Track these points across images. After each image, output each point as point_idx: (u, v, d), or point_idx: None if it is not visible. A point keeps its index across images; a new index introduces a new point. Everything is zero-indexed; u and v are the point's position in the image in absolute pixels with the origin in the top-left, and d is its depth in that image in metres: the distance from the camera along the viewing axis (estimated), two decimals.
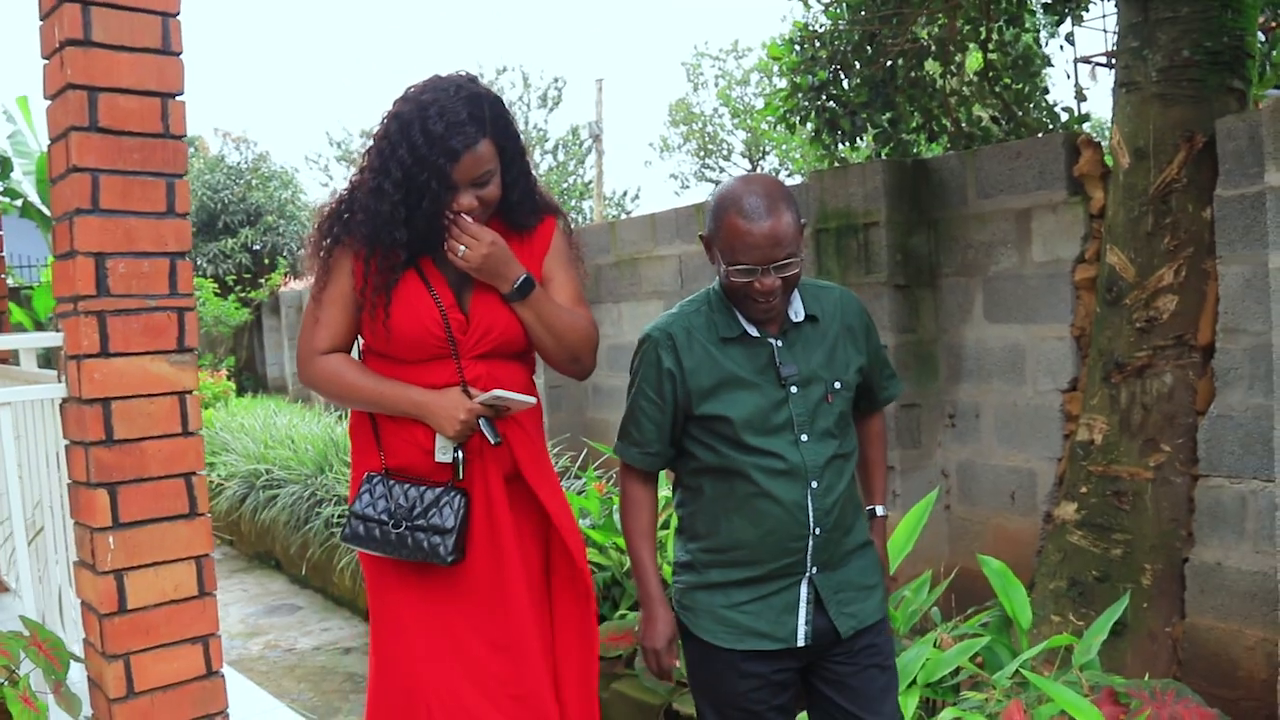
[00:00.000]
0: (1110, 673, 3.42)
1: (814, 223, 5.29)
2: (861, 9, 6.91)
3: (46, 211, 12.97)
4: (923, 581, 3.78)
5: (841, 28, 7.10)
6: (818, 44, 7.19)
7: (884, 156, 7.46)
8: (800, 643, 2.19)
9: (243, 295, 16.38)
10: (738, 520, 2.19)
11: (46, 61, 2.43)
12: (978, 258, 4.86)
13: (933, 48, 7.14)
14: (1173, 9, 3.91)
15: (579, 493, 5.19)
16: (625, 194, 24.86)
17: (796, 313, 2.22)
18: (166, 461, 2.45)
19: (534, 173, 2.42)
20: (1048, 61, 7.82)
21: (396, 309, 2.27)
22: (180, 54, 2.47)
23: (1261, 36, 6.45)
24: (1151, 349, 3.98)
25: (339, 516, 6.29)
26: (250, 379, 15.93)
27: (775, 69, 8.34)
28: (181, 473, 2.47)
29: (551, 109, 24.47)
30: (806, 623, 2.20)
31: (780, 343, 2.20)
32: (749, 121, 21.65)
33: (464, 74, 2.30)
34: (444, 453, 2.30)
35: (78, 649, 2.76)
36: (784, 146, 19.85)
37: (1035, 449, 4.69)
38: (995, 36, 7.28)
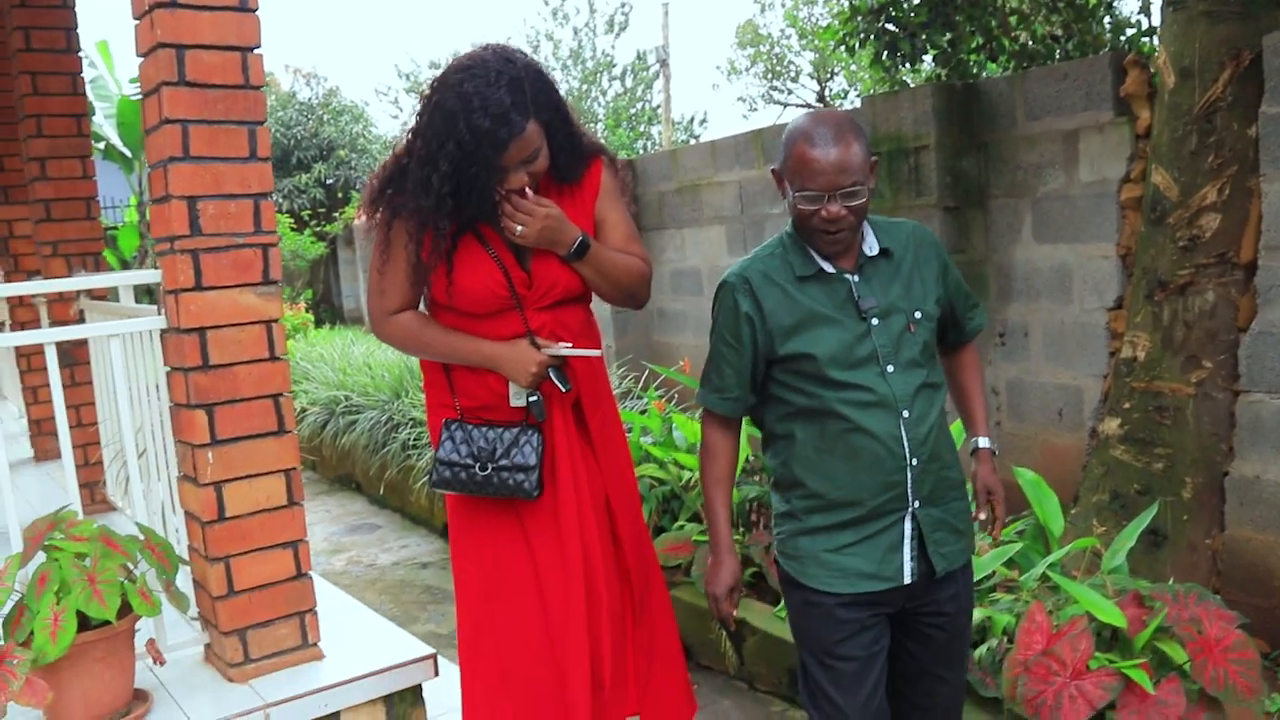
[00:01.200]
0: (1153, 581, 3.57)
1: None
2: None
3: (128, 153, 13.45)
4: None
5: None
6: None
7: (944, 78, 7.47)
8: (907, 579, 2.22)
9: (318, 229, 16.78)
10: (833, 460, 2.20)
11: (138, 22, 2.66)
12: (1026, 179, 4.94)
13: None
14: None
15: (641, 412, 5.42)
16: (693, 119, 24.67)
17: (870, 247, 2.24)
18: (256, 384, 2.71)
19: (577, 125, 2.47)
20: None
21: (460, 274, 2.38)
22: (256, 10, 2.68)
23: None
24: (1194, 267, 4.06)
25: (415, 439, 6.60)
26: (327, 311, 16.39)
27: None
28: (270, 394, 2.74)
29: (618, 34, 24.31)
30: (913, 559, 2.22)
31: (857, 277, 2.21)
32: (816, 42, 21.34)
33: (498, 50, 2.35)
34: (518, 398, 2.44)
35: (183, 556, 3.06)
36: (852, 68, 19.58)
37: (1082, 366, 4.80)
38: None
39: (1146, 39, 8.09)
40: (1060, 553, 3.40)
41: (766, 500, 4.54)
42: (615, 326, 7.96)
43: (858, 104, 18.66)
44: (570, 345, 2.42)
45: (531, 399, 2.42)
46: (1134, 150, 4.47)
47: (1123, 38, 7.58)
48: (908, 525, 2.21)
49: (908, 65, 7.69)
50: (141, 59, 2.68)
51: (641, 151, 22.24)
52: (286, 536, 2.80)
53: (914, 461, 2.17)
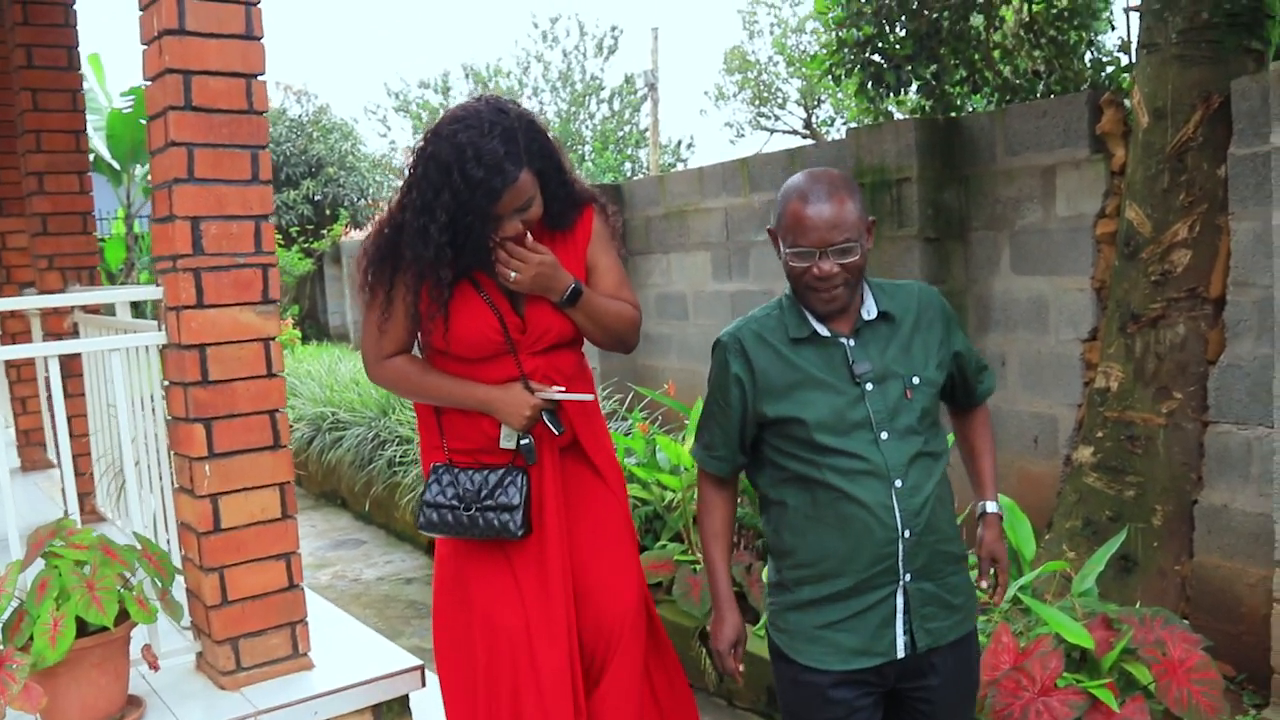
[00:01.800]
0: (1123, 606, 3.67)
1: (851, 178, 5.50)
2: None
3: (116, 166, 13.50)
4: None
5: None
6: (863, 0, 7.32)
7: (928, 109, 7.61)
8: (900, 653, 2.15)
9: (305, 246, 16.83)
10: (823, 530, 2.15)
11: (146, 47, 2.75)
12: (1005, 212, 5.07)
13: (978, 0, 7.24)
14: None
15: (625, 433, 5.50)
16: (680, 143, 24.88)
17: (869, 310, 2.19)
18: (254, 399, 2.80)
19: (570, 174, 2.52)
20: (1095, 15, 7.86)
21: (456, 320, 2.43)
22: (261, 38, 2.78)
23: None
24: (1166, 301, 4.18)
25: (401, 456, 6.67)
26: (313, 327, 16.43)
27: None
28: (266, 409, 2.83)
29: (607, 57, 24.51)
30: (905, 633, 2.15)
31: (853, 341, 2.16)
32: (804, 70, 21.57)
33: (491, 100, 2.41)
34: (509, 440, 2.47)
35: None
36: (839, 95, 19.81)
37: (1057, 395, 4.92)
38: None
39: (1126, 74, 8.27)
40: (1031, 575, 3.50)
41: (749, 521, 4.63)
42: (601, 350, 8.03)
43: (844, 131, 18.78)
44: (564, 389, 2.47)
45: (523, 442, 2.46)
46: (1109, 186, 4.60)
47: (1103, 74, 7.76)
48: (899, 599, 2.14)
49: (892, 96, 7.85)
50: (149, 83, 2.78)
51: (629, 174, 22.40)
52: (280, 548, 2.87)
53: (906, 534, 2.11)
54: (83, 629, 2.49)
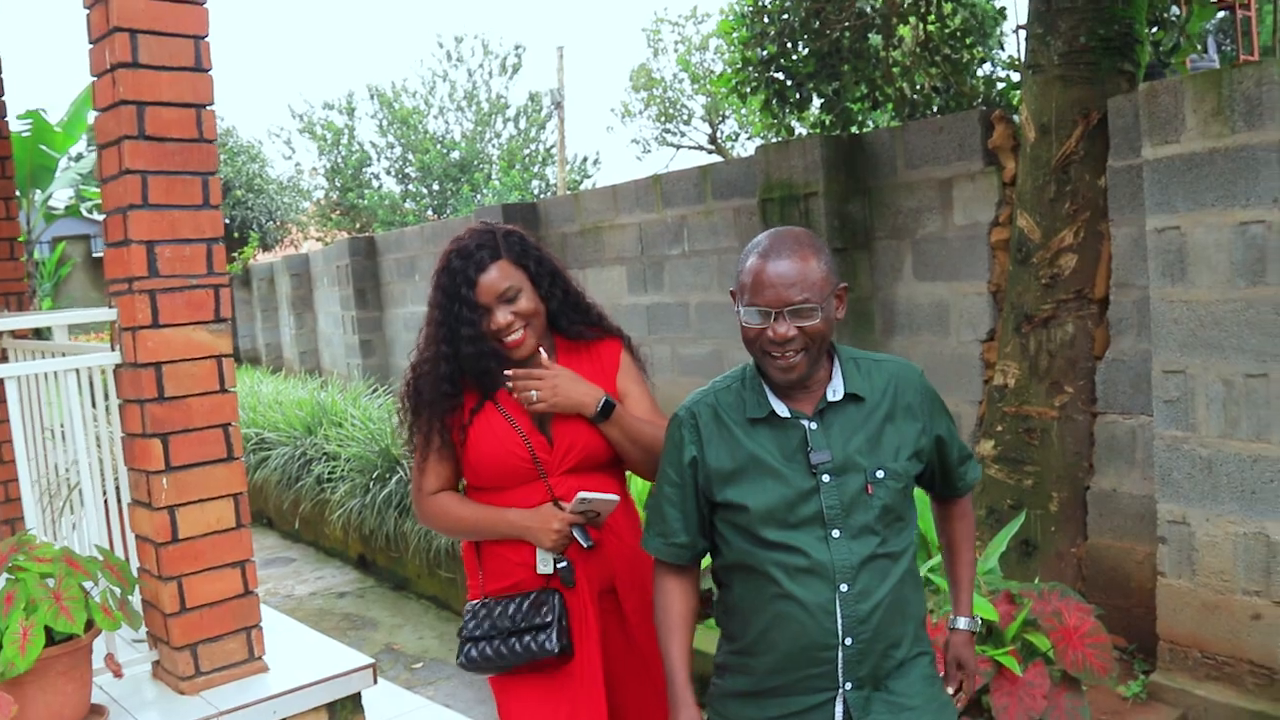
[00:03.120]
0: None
1: (760, 193, 5.79)
2: None
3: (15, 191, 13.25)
4: None
5: (788, 3, 7.54)
6: (766, 20, 7.63)
7: (829, 124, 7.96)
8: None
9: None
10: (764, 622, 1.99)
11: (96, 79, 2.87)
12: (907, 222, 5.39)
13: (877, 20, 7.61)
14: (1071, 0, 4.41)
15: None
16: (587, 159, 25.15)
17: (835, 390, 2.00)
18: (208, 414, 2.92)
19: (573, 283, 2.52)
20: (986, 34, 8.30)
21: (482, 444, 2.39)
22: (210, 70, 2.92)
23: (1176, 10, 6.97)
24: (1055, 302, 4.52)
25: (330, 473, 6.75)
26: None
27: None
28: (220, 424, 2.95)
29: (512, 76, 24.67)
30: None
31: (814, 424, 1.98)
32: (708, 87, 22.00)
33: (481, 222, 2.51)
34: (545, 565, 2.40)
35: None
36: (743, 112, 20.26)
37: (960, 393, 5.23)
38: (933, 10, 7.76)
39: (1016, 91, 8.73)
40: (939, 558, 3.76)
41: None
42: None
43: (749, 146, 19.09)
44: (588, 491, 2.33)
45: (559, 565, 2.39)
46: (1001, 197, 4.94)
47: (995, 90, 8.20)
48: (838, 707, 1.96)
49: (795, 112, 8.19)
50: (100, 113, 2.89)
51: (536, 192, 22.55)
52: (235, 556, 2.99)
53: (847, 641, 1.93)
54: (48, 639, 2.59)
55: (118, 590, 2.79)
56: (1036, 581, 3.83)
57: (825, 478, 1.94)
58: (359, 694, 3.12)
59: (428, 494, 2.49)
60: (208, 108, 2.90)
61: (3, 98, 4.81)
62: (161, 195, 2.82)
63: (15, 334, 4.20)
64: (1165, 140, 3.79)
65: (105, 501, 3.25)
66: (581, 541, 2.35)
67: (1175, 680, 3.99)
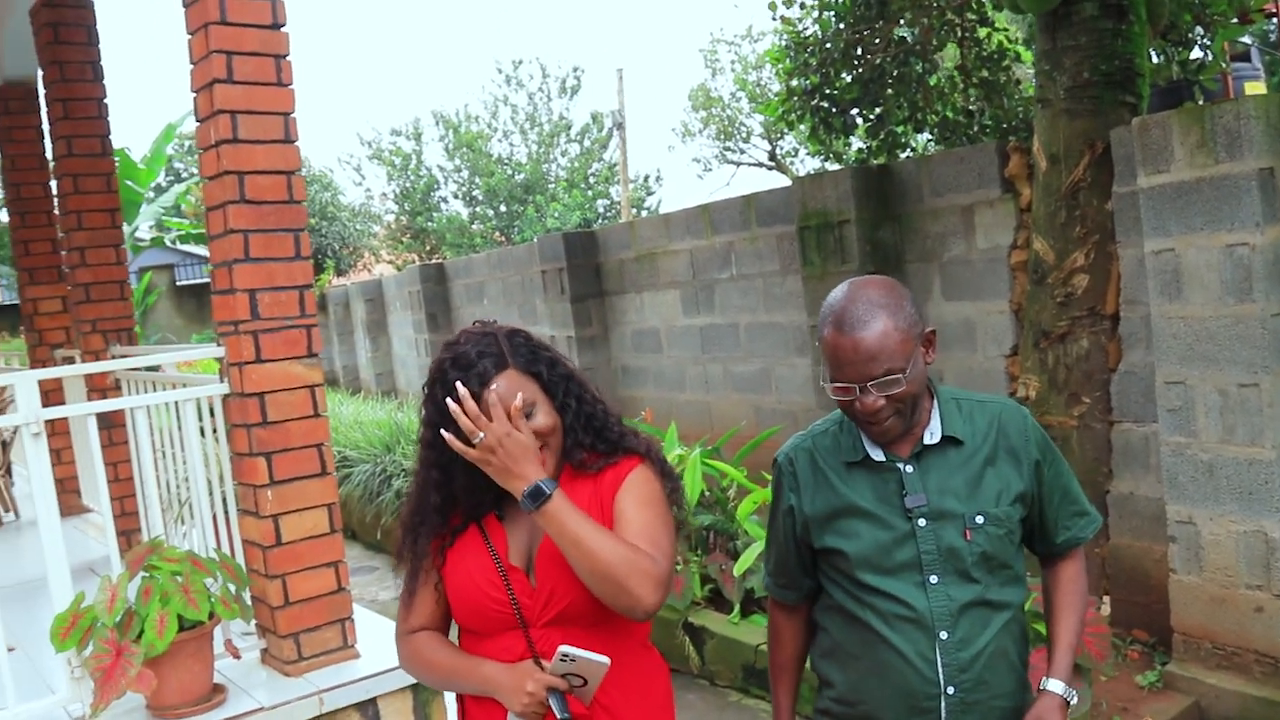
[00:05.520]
0: None
1: (798, 221, 6.21)
2: (848, 15, 7.71)
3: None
4: None
5: (829, 34, 7.90)
6: (808, 52, 8.02)
7: (874, 148, 8.32)
8: None
9: None
10: (861, 669, 1.95)
11: (204, 152, 3.39)
12: (934, 246, 5.76)
13: (917, 46, 7.94)
14: (1074, 38, 4.77)
15: None
16: (648, 177, 25.66)
17: (932, 433, 1.94)
18: (304, 435, 3.41)
19: (595, 398, 2.06)
20: (1019, 57, 8.59)
21: (457, 573, 2.00)
22: (296, 141, 3.42)
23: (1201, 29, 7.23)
24: (1070, 319, 4.86)
25: (408, 488, 7.25)
26: None
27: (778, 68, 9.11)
28: (314, 444, 3.44)
29: (571, 97, 25.25)
30: None
31: (911, 467, 1.93)
32: (765, 105, 22.39)
33: (476, 324, 2.06)
34: None
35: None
36: (801, 127, 20.59)
37: None
38: (968, 35, 8.08)
39: None
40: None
41: (720, 527, 5.26)
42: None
43: (809, 163, 19.28)
44: (572, 648, 1.84)
45: None
46: (1019, 222, 5.30)
47: (1031, 112, 8.46)
48: None
49: (840, 138, 8.55)
50: (207, 181, 3.40)
51: (602, 210, 23.10)
52: (329, 558, 3.48)
53: (950, 690, 1.87)
54: (179, 626, 3.09)
55: (232, 587, 3.29)
56: None
57: (921, 522, 1.90)
58: None
59: (404, 633, 2.08)
60: (296, 174, 3.39)
61: (112, 157, 5.40)
62: (260, 250, 3.32)
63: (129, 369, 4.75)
64: (1157, 170, 4.14)
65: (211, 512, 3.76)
66: (557, 712, 1.87)
67: (1188, 670, 4.29)
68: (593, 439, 2.01)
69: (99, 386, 5.33)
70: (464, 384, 1.87)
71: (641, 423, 6.33)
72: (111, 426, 5.24)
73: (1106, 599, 4.94)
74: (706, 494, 5.45)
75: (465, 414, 1.85)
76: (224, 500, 3.70)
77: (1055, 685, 1.98)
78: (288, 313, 3.39)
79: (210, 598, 3.14)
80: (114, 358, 5.06)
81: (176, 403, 3.60)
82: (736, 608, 4.88)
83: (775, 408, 7.02)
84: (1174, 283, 4.16)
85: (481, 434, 1.84)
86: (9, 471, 7.10)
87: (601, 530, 1.87)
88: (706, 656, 4.83)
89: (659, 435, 5.58)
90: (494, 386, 1.89)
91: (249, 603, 3.43)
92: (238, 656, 3.30)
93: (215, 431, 3.61)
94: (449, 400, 1.87)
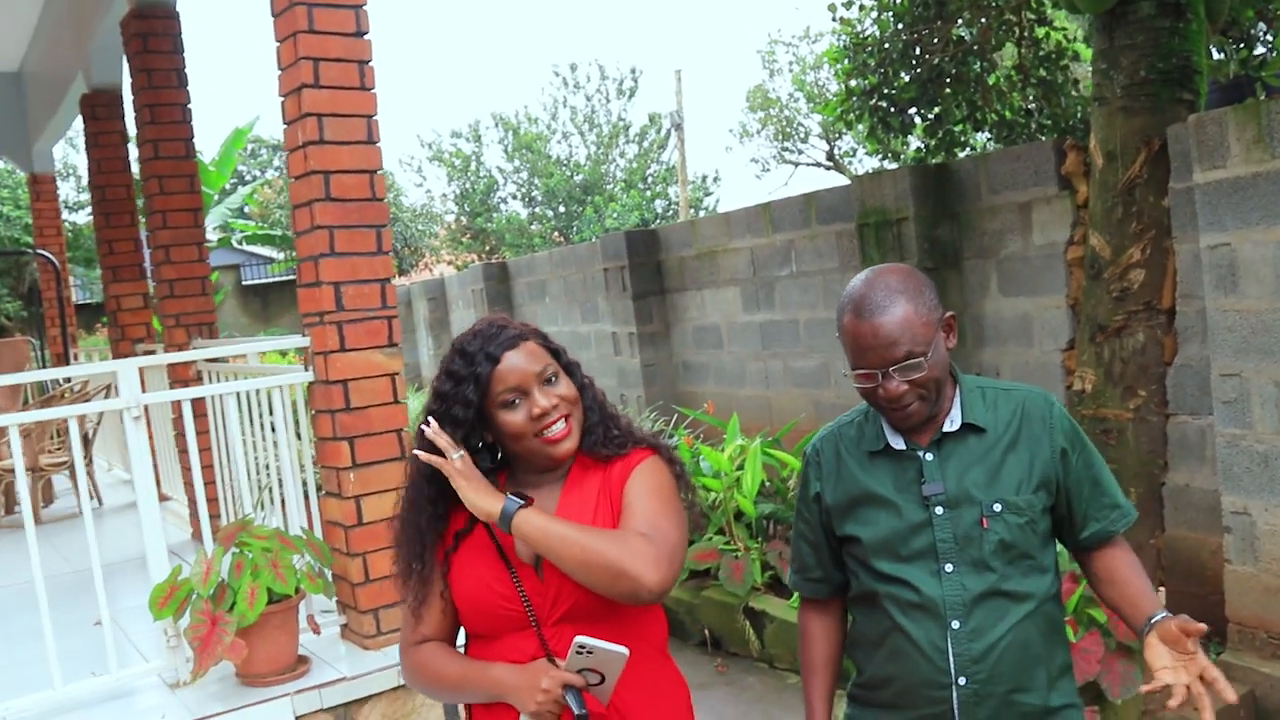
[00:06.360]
0: None
1: (857, 219, 6.31)
2: (906, 15, 7.79)
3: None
4: None
5: (888, 35, 7.98)
6: (866, 52, 8.10)
7: (932, 147, 8.38)
8: None
9: None
10: (881, 657, 1.96)
11: (290, 154, 3.59)
12: (991, 243, 5.83)
13: (975, 46, 7.98)
14: (1130, 38, 4.83)
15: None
16: (706, 178, 25.74)
17: (952, 421, 1.93)
18: (384, 421, 3.59)
19: (601, 396, 2.04)
20: (1077, 56, 8.59)
21: (465, 577, 1.95)
22: (378, 142, 3.60)
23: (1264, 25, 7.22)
24: (1126, 313, 4.92)
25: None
26: None
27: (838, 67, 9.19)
28: (394, 429, 3.62)
29: (629, 99, 25.38)
30: None
31: (931, 455, 1.92)
32: (823, 105, 22.40)
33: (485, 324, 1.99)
34: None
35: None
36: (860, 127, 20.58)
37: None
38: (1026, 34, 8.11)
39: None
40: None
41: (780, 515, 5.38)
42: (645, 377, 8.89)
43: (867, 163, 19.23)
44: (589, 638, 1.76)
45: None
46: (1075, 218, 5.36)
47: (1088, 110, 8.46)
48: None
49: (901, 137, 8.62)
50: (294, 180, 3.60)
51: (660, 210, 23.25)
52: None
53: (961, 680, 1.85)
54: (268, 598, 3.29)
55: (316, 564, 3.49)
56: None
57: (938, 510, 1.88)
58: None
59: (409, 645, 1.99)
60: (378, 173, 3.58)
61: (195, 159, 5.65)
62: (344, 245, 3.51)
63: (210, 360, 4.99)
64: (1214, 165, 4.20)
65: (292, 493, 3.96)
66: (574, 708, 1.79)
67: (1243, 659, 4.34)
68: (604, 429, 1.98)
69: (181, 378, 5.58)
70: (488, 349, 1.86)
71: (704, 414, 6.47)
72: (194, 416, 5.48)
73: (1162, 590, 4.99)
74: (767, 484, 5.58)
75: (436, 437, 1.83)
76: (304, 485, 3.90)
77: (1162, 613, 1.88)
78: (370, 304, 3.57)
79: (296, 573, 3.33)
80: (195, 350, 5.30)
81: (259, 390, 3.81)
82: (796, 595, 4.97)
83: (834, 402, 7.12)
84: (1229, 277, 4.21)
85: (457, 455, 1.83)
86: (91, 462, 7.42)
87: (579, 526, 1.84)
88: (766, 640, 4.96)
89: (721, 427, 5.72)
90: (517, 351, 1.87)
91: (331, 580, 3.63)
92: (318, 632, 3.50)
93: (296, 420, 3.81)
94: (421, 428, 1.87)
